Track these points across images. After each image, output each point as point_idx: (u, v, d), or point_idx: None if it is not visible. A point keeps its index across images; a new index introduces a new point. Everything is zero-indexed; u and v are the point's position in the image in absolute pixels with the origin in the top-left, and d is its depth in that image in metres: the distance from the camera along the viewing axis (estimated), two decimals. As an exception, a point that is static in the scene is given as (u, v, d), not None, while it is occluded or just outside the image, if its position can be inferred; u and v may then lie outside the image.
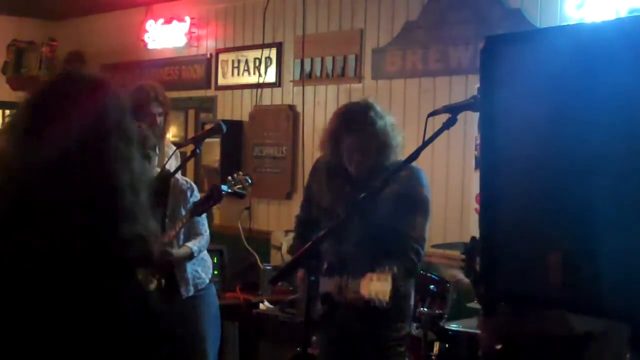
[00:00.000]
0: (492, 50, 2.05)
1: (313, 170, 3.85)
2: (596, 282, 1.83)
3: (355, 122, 3.49)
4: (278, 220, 6.33)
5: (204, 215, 4.10)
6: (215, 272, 5.29)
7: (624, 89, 1.77)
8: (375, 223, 3.45)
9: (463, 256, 3.11)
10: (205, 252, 4.25)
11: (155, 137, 4.30)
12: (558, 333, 2.38)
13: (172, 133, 7.25)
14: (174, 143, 5.66)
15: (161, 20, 7.26)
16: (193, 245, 4.07)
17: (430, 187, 3.64)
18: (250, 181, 4.01)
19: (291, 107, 6.29)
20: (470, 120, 4.85)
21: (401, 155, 3.56)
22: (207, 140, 4.12)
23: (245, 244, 6.38)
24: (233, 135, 6.52)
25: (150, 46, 7.39)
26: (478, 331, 3.60)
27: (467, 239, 3.13)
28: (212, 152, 6.66)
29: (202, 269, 4.21)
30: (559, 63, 1.90)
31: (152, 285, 4.00)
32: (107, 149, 1.57)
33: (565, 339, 2.40)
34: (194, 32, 7.07)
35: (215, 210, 6.54)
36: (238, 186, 3.97)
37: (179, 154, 4.77)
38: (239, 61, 6.73)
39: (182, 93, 7.16)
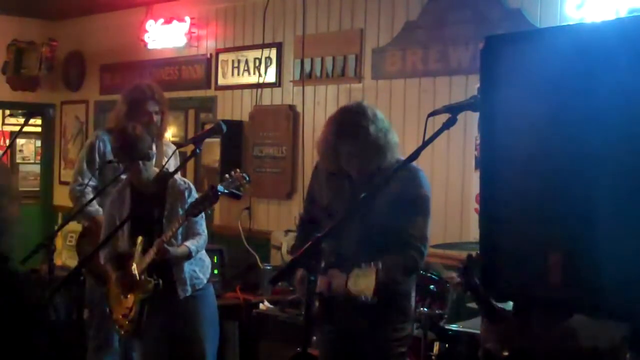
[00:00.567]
0: (492, 50, 2.05)
1: (314, 171, 3.85)
2: (596, 282, 1.83)
3: (349, 130, 3.49)
4: (278, 220, 6.33)
5: (201, 215, 4.10)
6: (215, 272, 5.30)
7: (624, 89, 1.77)
8: (376, 223, 3.45)
9: (460, 272, 3.06)
10: (204, 252, 4.25)
11: (152, 136, 4.31)
12: (566, 347, 2.38)
13: (172, 133, 7.28)
14: (174, 143, 5.67)
15: (161, 20, 7.26)
16: (191, 244, 4.07)
17: (430, 187, 3.64)
18: (248, 178, 4.00)
19: (291, 107, 6.29)
20: (470, 120, 4.86)
21: (401, 153, 3.57)
22: (207, 140, 4.11)
23: (245, 244, 6.38)
24: (233, 135, 6.52)
25: (150, 46, 7.39)
26: (478, 331, 3.59)
27: (467, 239, 3.13)
28: (212, 152, 6.66)
29: (199, 269, 4.20)
30: (559, 63, 1.91)
31: (150, 286, 4.01)
32: None
33: (573, 353, 2.39)
34: (194, 32, 7.07)
35: (216, 210, 6.56)
36: (236, 184, 3.96)
37: (178, 153, 4.78)
38: (239, 61, 6.73)
39: (182, 93, 7.17)
